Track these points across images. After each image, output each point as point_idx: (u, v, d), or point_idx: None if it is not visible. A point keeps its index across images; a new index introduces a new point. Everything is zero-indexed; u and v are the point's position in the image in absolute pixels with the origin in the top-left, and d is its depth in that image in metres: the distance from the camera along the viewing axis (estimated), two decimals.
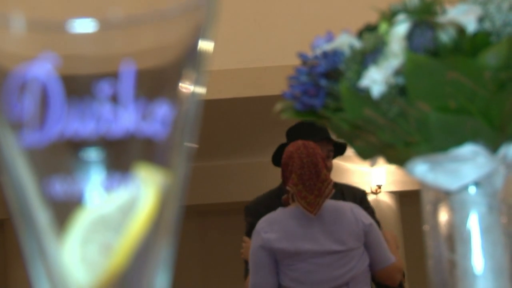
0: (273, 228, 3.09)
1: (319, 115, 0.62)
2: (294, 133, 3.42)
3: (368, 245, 3.10)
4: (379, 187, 9.70)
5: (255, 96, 4.19)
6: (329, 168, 3.31)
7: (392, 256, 3.14)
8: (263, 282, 3.11)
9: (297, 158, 3.09)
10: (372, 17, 0.63)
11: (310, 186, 3.04)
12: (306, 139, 3.25)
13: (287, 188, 3.10)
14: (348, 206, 3.13)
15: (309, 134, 3.30)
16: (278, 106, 0.64)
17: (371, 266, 3.12)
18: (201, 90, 0.42)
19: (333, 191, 3.11)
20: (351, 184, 3.76)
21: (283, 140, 3.58)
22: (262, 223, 3.12)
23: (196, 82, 0.41)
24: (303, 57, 0.62)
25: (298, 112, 0.62)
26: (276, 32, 4.02)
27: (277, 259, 3.09)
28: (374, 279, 3.19)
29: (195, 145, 0.41)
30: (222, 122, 6.10)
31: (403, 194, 9.51)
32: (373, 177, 9.60)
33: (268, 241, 3.07)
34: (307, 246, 3.05)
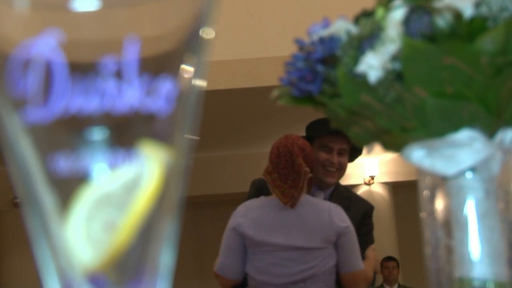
0: (248, 214, 3.14)
1: (316, 101, 0.62)
2: (311, 128, 3.44)
3: (338, 247, 3.13)
4: (372, 177, 9.74)
5: (249, 87, 4.19)
6: (334, 164, 3.32)
7: (361, 264, 3.17)
8: (229, 264, 3.19)
9: (275, 148, 3.14)
10: (363, 7, 0.63)
11: (285, 175, 3.07)
12: (319, 133, 3.29)
13: (262, 176, 3.14)
14: (327, 206, 3.14)
15: (323, 128, 3.31)
16: (275, 92, 0.64)
17: (338, 268, 3.14)
18: (204, 66, 0.42)
19: (312, 185, 3.18)
20: (361, 196, 3.76)
21: (277, 131, 3.60)
22: (241, 207, 3.19)
23: (200, 58, 0.41)
24: (299, 43, 0.61)
25: (295, 98, 0.62)
26: (269, 23, 4.02)
27: (246, 245, 3.15)
28: (340, 282, 3.20)
29: (198, 121, 0.41)
30: (216, 113, 6.10)
31: (396, 185, 9.55)
32: (366, 168, 9.64)
33: (240, 225, 3.13)
34: (273, 239, 3.09)
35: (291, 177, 3.06)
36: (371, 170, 9.48)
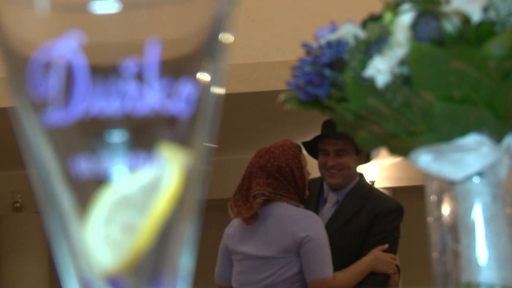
0: (233, 224, 3.31)
1: (323, 105, 0.62)
2: (322, 129, 3.46)
3: (301, 256, 3.15)
4: (373, 183, 9.75)
5: (249, 92, 4.18)
6: (333, 166, 3.34)
7: (327, 272, 3.12)
8: (220, 271, 3.38)
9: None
10: (366, 12, 0.63)
11: (242, 198, 3.24)
12: (315, 138, 3.41)
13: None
14: (296, 216, 3.18)
15: (326, 130, 3.37)
16: (282, 96, 0.64)
17: (305, 276, 3.16)
18: (223, 69, 0.42)
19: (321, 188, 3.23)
20: (385, 198, 3.57)
21: (277, 136, 3.61)
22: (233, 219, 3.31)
23: (218, 62, 0.41)
24: (307, 47, 0.61)
25: (302, 102, 0.62)
26: (269, 28, 4.01)
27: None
28: None
29: (217, 124, 0.41)
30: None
31: (397, 190, 9.55)
32: (367, 173, 9.63)
33: (225, 235, 3.33)
34: (241, 248, 3.23)
35: (249, 199, 3.23)
36: (371, 175, 9.48)
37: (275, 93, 0.63)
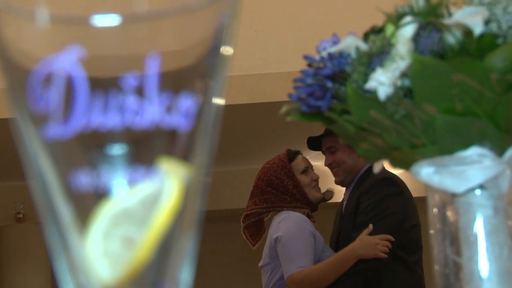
0: None
1: (325, 117, 0.62)
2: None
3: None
4: None
5: (252, 103, 4.19)
6: (330, 165, 3.31)
7: (292, 268, 3.11)
8: None
9: None
10: (368, 24, 0.63)
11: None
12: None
13: None
14: (278, 220, 3.27)
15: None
16: (284, 108, 0.64)
17: None
18: (223, 82, 0.42)
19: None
20: (388, 175, 3.18)
21: (280, 146, 3.63)
22: None
23: (219, 75, 0.41)
24: (309, 59, 0.61)
25: (304, 114, 0.62)
26: (273, 39, 4.01)
27: None
28: None
29: (217, 138, 0.41)
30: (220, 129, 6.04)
31: None
32: None
33: None
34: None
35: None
36: None
37: (278, 104, 0.63)
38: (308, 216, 3.29)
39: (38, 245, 8.41)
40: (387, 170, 3.17)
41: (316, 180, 3.37)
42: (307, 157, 3.45)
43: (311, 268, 3.10)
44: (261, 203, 3.28)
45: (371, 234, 2.98)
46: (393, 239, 2.97)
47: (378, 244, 2.95)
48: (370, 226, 2.99)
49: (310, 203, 3.31)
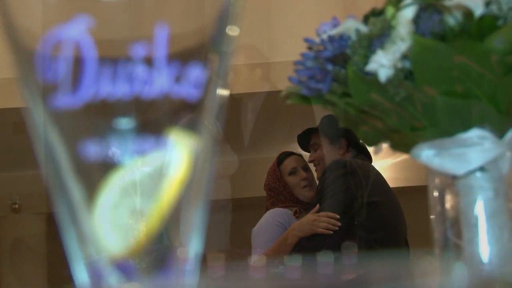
0: None
1: (325, 100, 0.62)
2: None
3: None
4: None
5: (248, 92, 4.18)
6: (313, 161, 3.32)
7: (252, 259, 3.16)
8: None
9: None
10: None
11: None
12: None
13: None
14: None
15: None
16: (284, 91, 0.63)
17: None
18: (230, 52, 0.41)
19: None
20: (339, 159, 3.21)
21: (280, 137, 3.68)
22: None
23: (227, 45, 0.41)
24: (309, 41, 0.61)
25: (305, 97, 0.62)
26: (268, 29, 4.01)
27: None
28: None
29: (225, 110, 0.41)
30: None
31: (395, 191, 9.51)
32: None
33: None
34: None
35: None
36: None
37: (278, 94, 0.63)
38: (297, 213, 3.31)
39: (34, 236, 8.38)
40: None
41: (305, 179, 3.38)
42: None
43: (263, 252, 3.15)
44: (271, 207, 3.38)
45: None
46: (337, 216, 2.93)
47: (315, 221, 2.94)
48: (317, 206, 3.00)
49: (301, 202, 3.35)
